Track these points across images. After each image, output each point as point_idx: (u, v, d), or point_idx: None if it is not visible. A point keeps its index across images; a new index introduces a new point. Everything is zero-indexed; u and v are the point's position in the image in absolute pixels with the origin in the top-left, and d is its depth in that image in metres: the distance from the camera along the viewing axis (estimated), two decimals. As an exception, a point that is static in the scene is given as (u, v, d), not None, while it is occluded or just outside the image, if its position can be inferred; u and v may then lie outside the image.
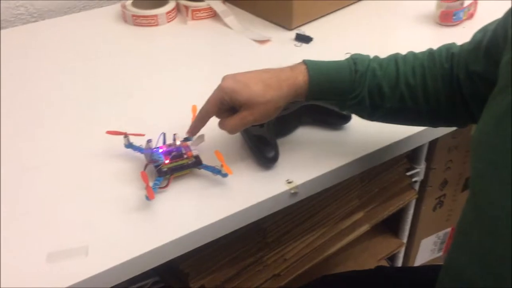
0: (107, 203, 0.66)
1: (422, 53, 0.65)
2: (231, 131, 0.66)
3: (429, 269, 0.82)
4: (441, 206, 1.24)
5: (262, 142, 0.71)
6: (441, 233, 1.32)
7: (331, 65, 0.65)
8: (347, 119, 0.77)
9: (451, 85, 0.61)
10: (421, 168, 1.06)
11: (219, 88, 0.65)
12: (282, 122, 0.73)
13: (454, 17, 1.02)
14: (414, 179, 1.05)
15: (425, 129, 0.78)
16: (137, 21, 1.08)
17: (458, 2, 1.01)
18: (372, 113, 0.66)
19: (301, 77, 0.63)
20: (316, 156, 0.74)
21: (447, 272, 0.56)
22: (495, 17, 1.14)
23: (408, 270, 0.81)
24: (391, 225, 1.17)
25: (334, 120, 0.78)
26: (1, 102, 0.86)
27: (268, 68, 0.66)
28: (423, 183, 1.12)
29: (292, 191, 0.68)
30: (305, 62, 0.65)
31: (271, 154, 0.70)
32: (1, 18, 1.09)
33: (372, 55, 0.67)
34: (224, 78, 0.66)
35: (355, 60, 0.65)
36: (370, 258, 1.14)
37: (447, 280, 0.55)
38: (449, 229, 1.33)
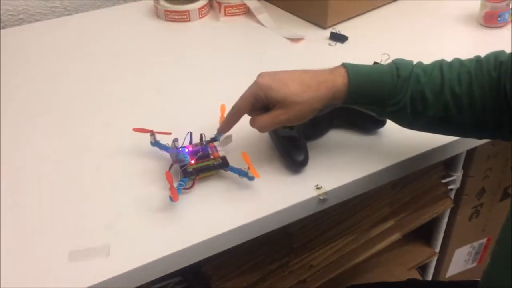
0: (130, 202, 0.65)
1: (469, 60, 0.61)
2: (261, 129, 0.64)
3: (462, 285, 0.78)
4: (477, 215, 1.19)
5: (291, 144, 0.69)
6: (476, 244, 1.27)
7: (372, 69, 0.62)
8: (381, 123, 0.74)
9: (498, 94, 0.57)
10: (457, 176, 1.01)
11: (255, 84, 0.63)
12: (313, 124, 0.71)
13: (499, 19, 0.97)
14: (450, 187, 1.00)
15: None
16: (169, 16, 1.07)
17: (504, 3, 0.96)
18: (413, 121, 0.63)
19: (340, 79, 0.61)
20: (347, 161, 0.71)
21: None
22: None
23: (440, 284, 0.77)
24: (424, 233, 1.12)
25: (368, 124, 0.74)
26: (31, 95, 0.86)
27: (307, 69, 0.64)
28: (459, 191, 1.07)
29: (321, 197, 0.66)
30: (344, 65, 0.62)
31: (301, 158, 0.68)
32: (35, 11, 1.10)
33: (410, 57, 0.64)
34: (261, 75, 0.63)
35: (398, 65, 0.61)
36: (401, 266, 1.11)
37: None
38: (484, 240, 1.28)
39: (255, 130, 0.74)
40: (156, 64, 0.95)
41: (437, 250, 1.15)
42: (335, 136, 0.75)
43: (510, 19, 0.98)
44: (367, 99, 0.62)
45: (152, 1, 1.11)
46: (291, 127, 0.69)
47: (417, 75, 0.61)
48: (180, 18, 1.06)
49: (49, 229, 0.62)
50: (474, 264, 1.33)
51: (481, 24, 1.00)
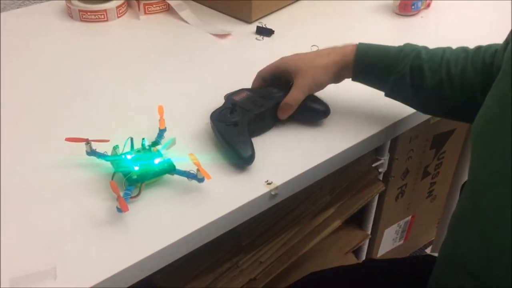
0: (73, 217, 0.60)
1: (473, 48, 0.67)
2: (294, 101, 0.71)
3: (418, 260, 0.82)
4: (403, 195, 1.25)
5: (236, 140, 0.67)
6: (402, 222, 1.34)
7: (378, 44, 0.71)
8: (324, 114, 0.74)
9: (490, 79, 0.60)
10: (385, 159, 1.06)
11: (278, 60, 0.75)
12: (258, 120, 0.70)
13: (413, 7, 1.02)
14: (379, 170, 1.05)
15: (401, 119, 0.77)
16: (84, 17, 1.00)
17: (416, -8, 1.01)
18: (413, 95, 0.68)
19: (350, 48, 0.70)
20: (292, 154, 0.70)
21: (445, 263, 0.54)
22: (450, 6, 1.15)
23: (396, 262, 0.80)
24: (355, 217, 1.16)
25: (312, 115, 0.75)
26: None
27: None
28: (386, 173, 1.12)
29: (273, 193, 0.65)
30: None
31: (248, 154, 0.66)
32: None
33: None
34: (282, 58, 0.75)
35: (404, 45, 0.69)
36: (337, 252, 1.13)
37: (445, 271, 0.54)
38: (409, 218, 1.35)
39: (198, 132, 0.72)
40: (77, 69, 0.88)
41: (369, 232, 1.19)
42: (276, 130, 0.75)
43: (422, 7, 1.04)
44: (372, 67, 0.69)
45: (62, 1, 1.04)
46: (235, 124, 0.68)
47: (419, 52, 0.67)
48: (96, 18, 1.00)
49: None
50: (401, 242, 1.40)
51: (396, 13, 1.05)
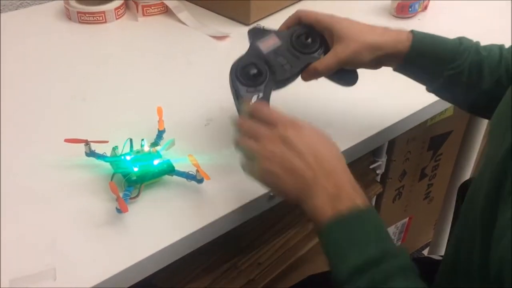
0: (72, 218, 0.60)
1: None
2: (326, 68, 0.63)
3: (417, 262, 0.82)
4: (400, 197, 1.26)
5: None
6: (399, 224, 1.35)
7: (436, 35, 0.65)
8: (354, 81, 0.68)
9: None
10: (382, 161, 1.06)
11: (324, 15, 0.65)
12: (281, 82, 0.65)
13: (410, 9, 1.02)
14: (376, 172, 1.05)
15: (398, 121, 0.77)
16: (83, 19, 1.01)
17: (414, -6, 1.02)
18: (465, 93, 0.64)
19: (405, 33, 0.63)
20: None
21: (446, 263, 0.55)
22: (447, 9, 1.16)
23: None
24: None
25: (337, 81, 0.68)
26: None
27: None
28: (383, 175, 1.13)
29: (271, 194, 0.65)
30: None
31: None
32: None
33: None
34: None
35: (460, 37, 0.64)
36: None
37: (448, 270, 0.54)
38: (406, 219, 1.36)
39: (197, 133, 0.72)
40: (75, 71, 0.88)
41: (367, 233, 1.19)
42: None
43: (419, 9, 1.04)
44: (428, 58, 0.63)
45: (60, 3, 1.04)
46: (258, 89, 0.62)
47: (477, 48, 0.63)
48: (95, 20, 1.00)
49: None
50: (399, 243, 1.40)
51: (393, 15, 1.06)
